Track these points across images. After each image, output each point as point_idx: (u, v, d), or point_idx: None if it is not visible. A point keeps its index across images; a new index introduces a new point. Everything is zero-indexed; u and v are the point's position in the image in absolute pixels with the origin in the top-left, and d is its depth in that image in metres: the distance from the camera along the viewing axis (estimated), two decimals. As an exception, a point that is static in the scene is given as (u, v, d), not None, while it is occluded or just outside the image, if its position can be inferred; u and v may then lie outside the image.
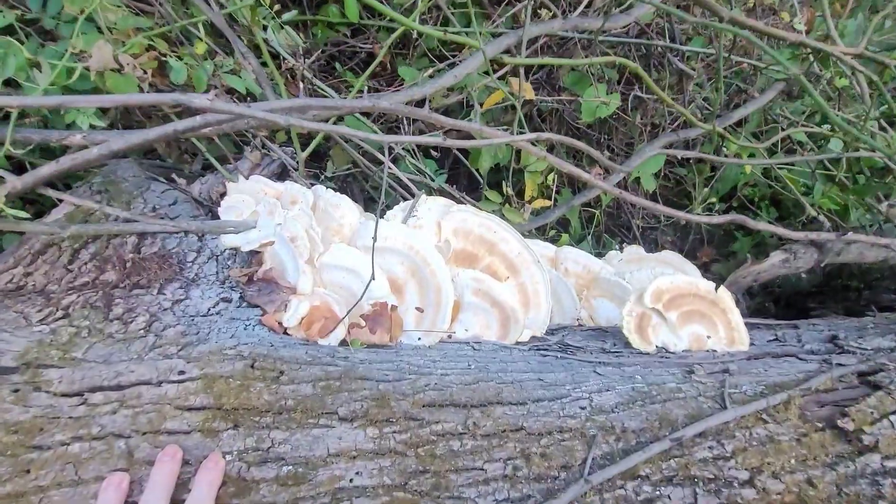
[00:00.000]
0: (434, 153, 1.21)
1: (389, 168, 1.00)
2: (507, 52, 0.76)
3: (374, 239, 0.65)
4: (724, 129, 1.20)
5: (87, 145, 0.59)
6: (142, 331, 0.60)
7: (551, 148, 1.30)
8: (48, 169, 0.57)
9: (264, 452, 0.54)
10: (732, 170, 1.50)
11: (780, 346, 0.83)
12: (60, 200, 0.68)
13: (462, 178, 1.32)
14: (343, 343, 0.71)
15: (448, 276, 0.76)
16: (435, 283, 0.76)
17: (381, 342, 0.73)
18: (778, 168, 1.47)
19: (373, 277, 0.65)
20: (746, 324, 1.02)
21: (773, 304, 1.65)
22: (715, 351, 0.80)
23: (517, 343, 0.78)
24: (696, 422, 0.61)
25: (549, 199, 1.21)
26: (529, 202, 1.07)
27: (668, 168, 1.57)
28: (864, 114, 1.27)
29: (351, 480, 0.53)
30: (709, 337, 0.82)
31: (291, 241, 0.70)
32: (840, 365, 0.75)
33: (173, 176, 0.76)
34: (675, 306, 0.82)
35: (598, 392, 0.64)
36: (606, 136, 1.27)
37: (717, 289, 0.83)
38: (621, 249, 1.21)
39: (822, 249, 0.99)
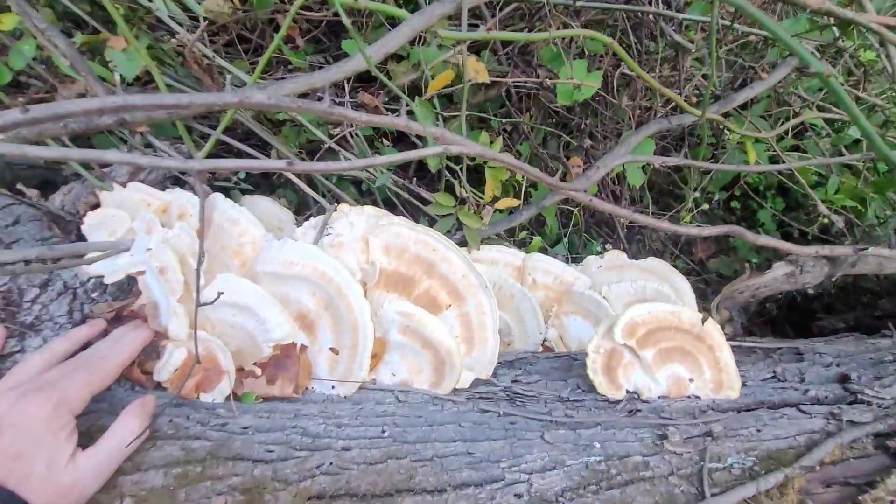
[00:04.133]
0: (386, 142, 1.04)
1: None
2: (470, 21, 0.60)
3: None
4: (731, 112, 1.02)
5: None
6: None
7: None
8: None
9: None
10: (735, 158, 1.33)
11: (779, 389, 0.68)
12: None
13: (425, 169, 1.16)
14: (236, 397, 0.58)
15: (367, 310, 0.61)
16: (351, 319, 0.61)
17: (283, 394, 0.59)
18: (788, 154, 1.29)
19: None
20: (740, 348, 0.87)
21: (774, 305, 1.50)
22: (698, 398, 0.66)
23: (455, 390, 0.64)
24: (664, 518, 0.47)
25: (520, 196, 1.05)
26: (491, 203, 0.91)
27: (661, 153, 1.39)
28: (893, 95, 1.09)
29: None
30: (691, 380, 0.67)
31: (161, 272, 0.55)
32: (852, 423, 0.60)
33: (19, 186, 0.61)
34: (652, 342, 0.68)
35: (542, 472, 0.50)
36: (589, 121, 1.09)
37: (704, 321, 0.68)
38: (603, 251, 1.06)
39: (835, 262, 0.83)
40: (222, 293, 0.54)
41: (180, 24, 0.77)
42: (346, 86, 0.95)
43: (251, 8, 1.14)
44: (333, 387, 0.61)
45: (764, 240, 0.75)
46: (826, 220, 1.10)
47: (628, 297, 0.92)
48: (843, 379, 0.71)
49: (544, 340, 0.87)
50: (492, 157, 0.61)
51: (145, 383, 0.55)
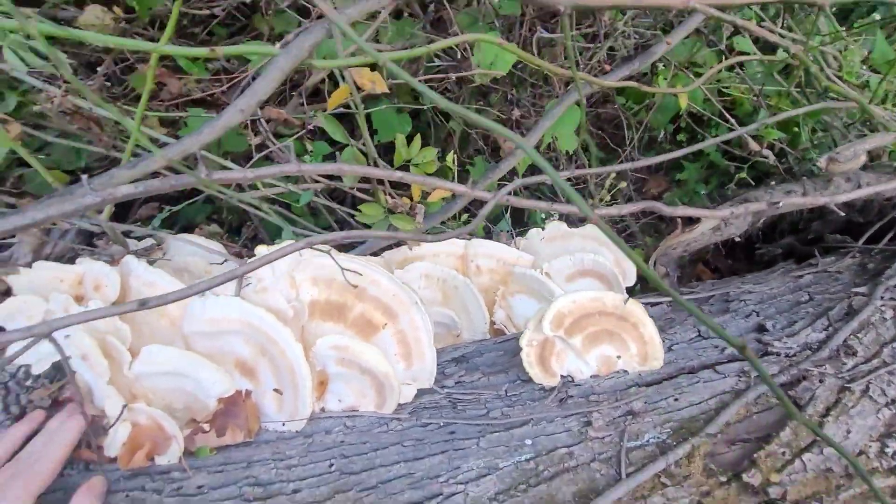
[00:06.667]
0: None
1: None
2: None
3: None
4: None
5: None
6: None
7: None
8: None
9: None
10: (670, 100, 1.32)
11: (699, 351, 0.74)
12: None
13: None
14: (191, 453, 0.61)
15: (300, 352, 0.63)
16: (286, 364, 0.63)
17: (235, 441, 0.62)
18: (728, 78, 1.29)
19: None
20: (671, 302, 0.93)
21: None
22: (626, 372, 0.71)
23: (401, 405, 0.68)
24: (584, 505, 0.53)
25: (454, 179, 1.05)
26: (420, 202, 0.91)
27: (599, 108, 1.37)
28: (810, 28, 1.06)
29: None
30: (619, 357, 0.72)
31: (84, 359, 0.56)
32: (759, 378, 0.66)
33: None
34: (579, 329, 0.72)
35: (477, 479, 0.56)
36: (515, 92, 1.07)
37: (626, 302, 0.72)
38: (546, 220, 1.08)
39: (757, 212, 0.86)
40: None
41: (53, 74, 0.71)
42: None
43: (136, 16, 1.05)
44: (284, 423, 0.64)
45: (681, 211, 0.77)
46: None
47: (568, 271, 0.95)
48: (760, 329, 0.77)
49: (493, 323, 0.91)
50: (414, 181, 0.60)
51: (98, 460, 0.58)
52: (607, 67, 0.90)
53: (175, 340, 0.65)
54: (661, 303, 0.92)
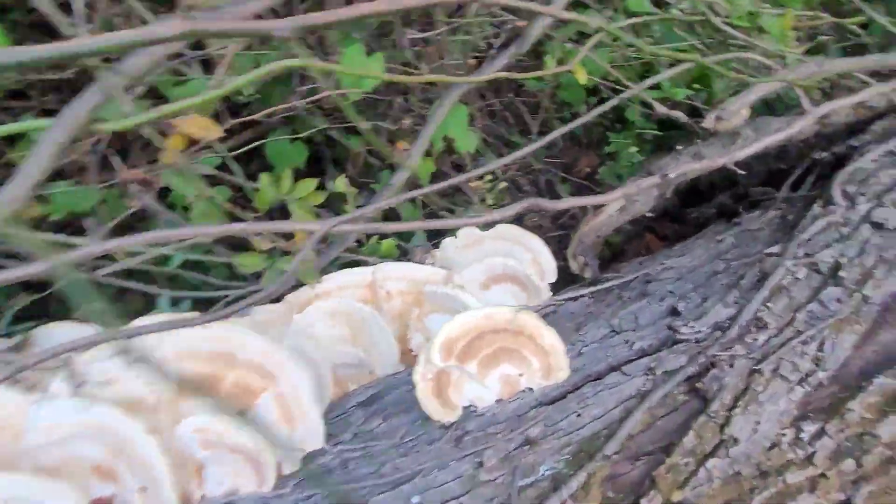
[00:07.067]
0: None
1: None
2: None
3: None
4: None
5: None
6: None
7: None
8: None
9: None
10: (572, 77, 1.26)
11: (610, 349, 0.68)
12: None
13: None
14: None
15: (151, 445, 0.57)
16: (139, 459, 0.57)
17: (98, 558, 0.56)
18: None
19: None
20: (597, 291, 0.87)
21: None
22: (531, 390, 0.65)
23: (286, 476, 0.61)
24: (469, 567, 0.47)
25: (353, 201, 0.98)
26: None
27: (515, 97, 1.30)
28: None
29: None
30: (521, 375, 0.66)
31: None
32: (666, 374, 0.60)
33: None
34: (473, 353, 0.65)
35: (354, 559, 0.49)
36: (400, 100, 1.00)
37: (517, 313, 0.66)
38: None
39: (661, 185, 0.81)
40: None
41: None
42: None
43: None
44: (157, 524, 0.58)
45: (564, 203, 0.71)
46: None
47: (481, 278, 0.89)
48: (673, 312, 0.71)
49: (411, 350, 0.85)
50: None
51: None
52: (471, 62, 0.84)
53: (21, 456, 0.59)
54: (582, 296, 0.87)
